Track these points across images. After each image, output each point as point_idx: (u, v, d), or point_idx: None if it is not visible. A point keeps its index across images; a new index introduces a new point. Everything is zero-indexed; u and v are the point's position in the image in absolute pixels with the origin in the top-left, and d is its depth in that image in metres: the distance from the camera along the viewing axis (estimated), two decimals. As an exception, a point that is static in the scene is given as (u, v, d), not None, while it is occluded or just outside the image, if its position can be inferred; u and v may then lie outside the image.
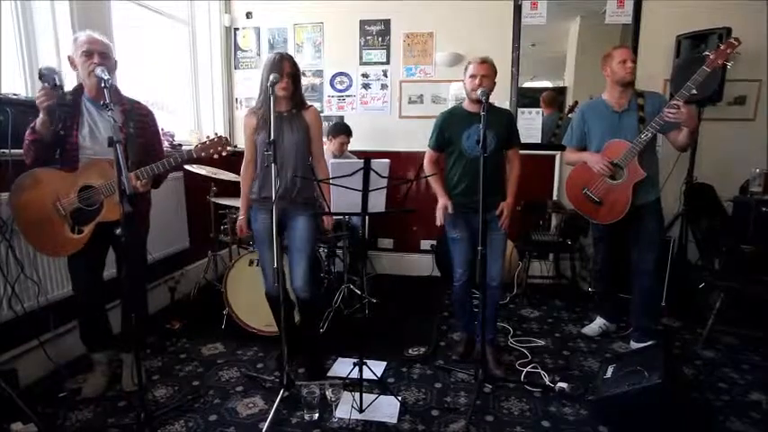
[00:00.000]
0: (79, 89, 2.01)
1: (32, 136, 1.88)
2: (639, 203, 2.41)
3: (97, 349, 2.18)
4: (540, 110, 3.70)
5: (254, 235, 2.30)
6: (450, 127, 2.32)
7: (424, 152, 2.46)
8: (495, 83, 2.24)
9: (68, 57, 1.98)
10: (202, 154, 2.03)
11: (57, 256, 2.18)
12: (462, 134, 2.26)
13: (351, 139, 3.43)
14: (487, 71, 2.19)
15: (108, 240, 2.07)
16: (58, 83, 1.82)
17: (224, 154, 2.06)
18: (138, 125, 2.06)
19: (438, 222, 2.36)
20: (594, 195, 2.48)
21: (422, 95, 3.84)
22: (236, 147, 2.17)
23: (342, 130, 3.38)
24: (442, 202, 2.32)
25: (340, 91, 3.97)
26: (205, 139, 2.06)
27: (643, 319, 2.59)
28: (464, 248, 2.34)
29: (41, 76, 1.79)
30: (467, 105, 2.33)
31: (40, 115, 1.84)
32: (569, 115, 3.57)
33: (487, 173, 1.99)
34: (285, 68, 2.07)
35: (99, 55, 1.90)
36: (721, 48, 2.21)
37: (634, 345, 2.59)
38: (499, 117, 2.28)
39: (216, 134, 2.08)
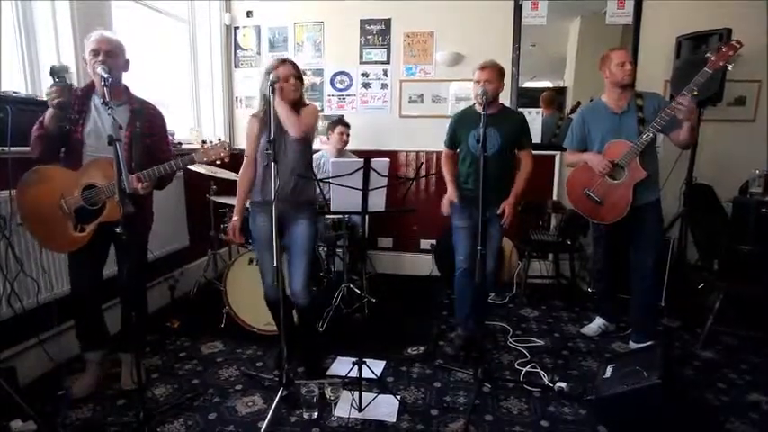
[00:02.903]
0: (90, 87, 2.02)
1: (40, 131, 1.88)
2: (640, 204, 2.41)
3: (91, 348, 2.17)
4: (539, 110, 3.70)
5: (252, 237, 2.29)
6: (461, 127, 2.45)
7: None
8: (502, 84, 2.35)
9: (83, 57, 1.99)
10: (204, 159, 2.03)
11: (61, 251, 2.19)
12: (470, 134, 2.38)
13: (350, 131, 3.41)
14: (488, 76, 2.28)
15: (110, 239, 2.07)
16: (69, 81, 1.83)
17: (226, 160, 2.06)
18: (145, 125, 2.06)
19: (444, 212, 2.52)
20: (595, 195, 2.48)
21: (422, 95, 3.84)
22: (234, 149, 2.17)
23: (337, 121, 3.40)
24: (449, 194, 2.49)
25: (340, 90, 3.96)
26: (208, 144, 2.04)
27: (642, 319, 2.59)
28: (466, 237, 2.44)
29: (53, 73, 1.80)
30: (477, 106, 2.42)
31: (50, 110, 1.84)
32: (570, 115, 3.57)
33: (492, 172, 2.09)
34: (289, 70, 2.07)
35: (105, 53, 1.90)
36: (723, 50, 2.20)
37: (633, 345, 2.59)
38: (510, 119, 2.40)
39: (219, 139, 2.08)
